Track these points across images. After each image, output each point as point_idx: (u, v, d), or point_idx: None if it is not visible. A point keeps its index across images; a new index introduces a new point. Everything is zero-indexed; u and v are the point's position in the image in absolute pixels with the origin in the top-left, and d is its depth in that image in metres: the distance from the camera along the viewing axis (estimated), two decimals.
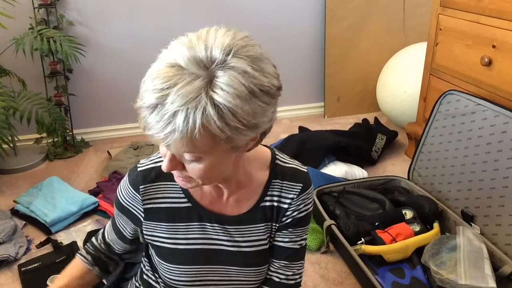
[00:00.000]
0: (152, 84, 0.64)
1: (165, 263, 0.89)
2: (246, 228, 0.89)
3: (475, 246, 1.53)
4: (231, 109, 0.64)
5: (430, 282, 1.51)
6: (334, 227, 1.68)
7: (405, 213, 1.74)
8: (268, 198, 0.89)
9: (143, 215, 0.88)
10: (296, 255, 0.94)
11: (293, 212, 0.90)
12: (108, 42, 2.51)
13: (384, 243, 1.59)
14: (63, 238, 1.79)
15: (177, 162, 0.73)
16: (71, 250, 1.71)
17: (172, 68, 0.64)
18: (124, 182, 0.90)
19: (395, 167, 2.35)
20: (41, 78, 2.41)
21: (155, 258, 0.92)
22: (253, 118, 0.67)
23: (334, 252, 1.73)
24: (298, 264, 0.95)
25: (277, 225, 0.91)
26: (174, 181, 0.85)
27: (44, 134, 2.42)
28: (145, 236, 0.91)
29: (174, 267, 0.89)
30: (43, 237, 1.80)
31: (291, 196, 0.89)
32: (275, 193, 0.89)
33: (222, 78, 0.63)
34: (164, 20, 2.54)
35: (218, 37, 0.66)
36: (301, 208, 0.90)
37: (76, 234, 1.81)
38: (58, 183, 2.07)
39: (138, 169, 0.88)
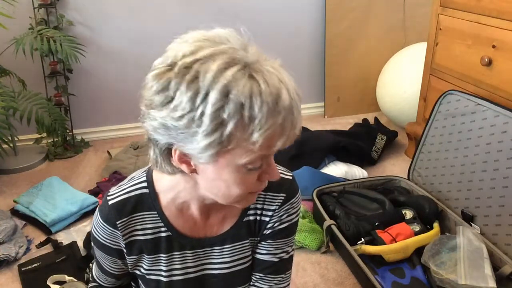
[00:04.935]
0: (269, 96, 0.60)
1: None
2: (232, 246, 0.85)
3: (475, 246, 1.53)
4: None
5: (430, 282, 1.51)
6: (334, 227, 1.68)
7: (405, 213, 1.74)
8: (251, 212, 0.84)
9: (125, 250, 0.83)
10: (274, 268, 0.88)
11: (274, 224, 0.85)
12: (108, 42, 2.51)
13: (384, 243, 1.59)
14: (63, 238, 1.79)
15: None
16: (71, 250, 1.71)
17: (259, 73, 0.62)
18: (97, 221, 0.81)
19: (395, 167, 2.35)
20: (41, 78, 2.41)
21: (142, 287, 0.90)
22: None
23: (334, 252, 1.73)
24: (277, 277, 0.89)
25: (258, 238, 0.87)
26: (152, 211, 0.80)
27: (44, 134, 2.42)
28: (129, 268, 0.87)
29: None
30: (43, 237, 1.80)
31: (273, 207, 0.84)
32: (258, 205, 0.84)
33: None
34: (164, 20, 2.54)
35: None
36: (283, 219, 0.85)
37: (76, 234, 1.81)
38: (58, 183, 2.07)
39: (109, 202, 0.79)
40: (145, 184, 0.81)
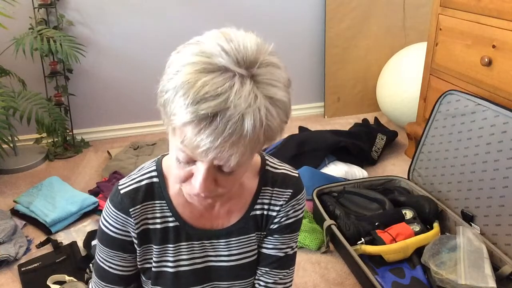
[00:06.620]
0: (202, 93, 0.57)
1: (155, 286, 0.87)
2: (238, 239, 0.86)
3: (475, 246, 1.53)
4: (284, 102, 0.65)
5: (430, 282, 1.51)
6: (334, 227, 1.68)
7: (405, 213, 1.74)
8: (258, 206, 0.86)
9: (136, 241, 0.83)
10: (280, 263, 0.90)
11: (281, 219, 0.86)
12: (108, 42, 2.51)
13: (384, 243, 1.59)
14: (63, 238, 1.79)
15: (211, 180, 0.66)
16: (71, 250, 1.71)
17: (216, 73, 0.59)
18: (109, 210, 0.81)
19: (395, 167, 2.35)
20: (41, 78, 2.41)
21: (144, 279, 0.89)
22: (290, 108, 0.68)
23: (334, 252, 1.73)
24: (282, 272, 0.91)
25: (264, 233, 0.88)
26: (162, 200, 0.81)
27: (44, 134, 2.42)
28: (138, 262, 0.87)
29: None
30: (43, 237, 1.80)
31: (280, 203, 0.86)
32: (266, 200, 0.86)
33: (267, 74, 0.63)
34: (164, 19, 2.54)
35: (246, 37, 0.66)
36: (289, 214, 0.87)
37: (76, 234, 1.81)
38: (58, 183, 2.07)
39: (122, 191, 0.80)
40: (154, 174, 0.83)
